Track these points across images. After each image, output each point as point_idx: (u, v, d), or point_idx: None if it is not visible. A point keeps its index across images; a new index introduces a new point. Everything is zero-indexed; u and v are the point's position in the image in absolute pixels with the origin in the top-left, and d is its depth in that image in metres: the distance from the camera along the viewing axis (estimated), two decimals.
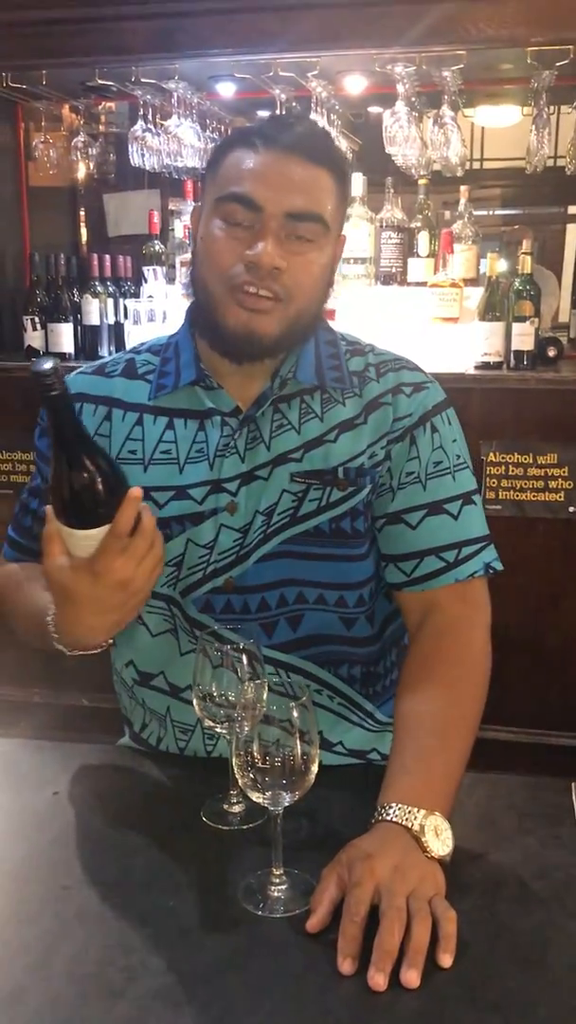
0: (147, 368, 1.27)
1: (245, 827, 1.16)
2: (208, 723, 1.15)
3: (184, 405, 1.22)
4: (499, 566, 1.24)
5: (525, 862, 1.09)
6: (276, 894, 1.02)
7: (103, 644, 1.14)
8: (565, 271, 4.67)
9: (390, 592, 1.29)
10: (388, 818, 1.02)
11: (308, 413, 1.21)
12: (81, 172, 3.52)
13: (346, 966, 0.90)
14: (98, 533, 1.03)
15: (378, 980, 0.88)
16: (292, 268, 1.11)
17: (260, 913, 1.01)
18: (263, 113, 3.14)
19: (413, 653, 1.21)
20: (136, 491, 1.02)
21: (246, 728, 1.00)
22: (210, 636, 1.14)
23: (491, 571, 1.23)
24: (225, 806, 1.18)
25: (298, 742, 0.99)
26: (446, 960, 0.92)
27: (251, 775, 1.00)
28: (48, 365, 0.96)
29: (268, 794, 1.00)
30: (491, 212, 5.02)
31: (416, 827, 1.00)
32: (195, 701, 1.15)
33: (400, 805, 1.02)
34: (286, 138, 1.12)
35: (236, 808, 1.18)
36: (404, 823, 1.01)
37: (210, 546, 1.20)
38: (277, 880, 1.03)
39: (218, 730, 1.15)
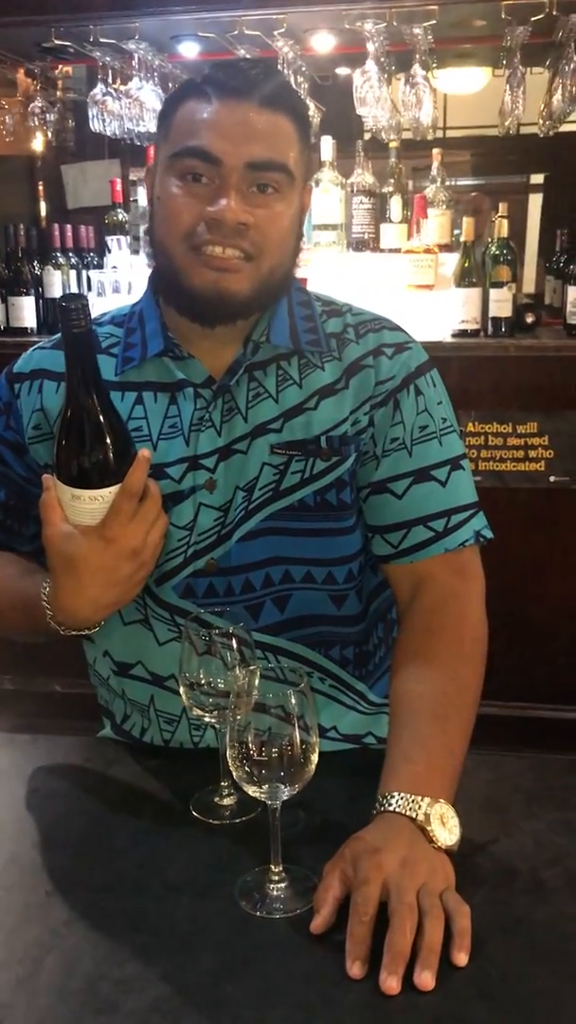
0: (111, 341, 1.19)
1: (238, 820, 1.09)
2: (196, 712, 1.09)
3: (153, 378, 1.15)
4: (489, 534, 1.19)
5: (536, 849, 1.04)
6: (275, 893, 0.96)
7: (100, 622, 1.09)
8: (528, 241, 4.61)
9: (376, 564, 1.23)
10: (391, 808, 0.97)
11: (286, 380, 1.14)
12: (39, 141, 3.40)
13: (355, 969, 0.84)
14: (108, 494, 0.99)
15: (391, 984, 0.82)
16: (259, 222, 1.04)
17: (259, 914, 0.94)
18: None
19: (406, 629, 1.16)
20: (146, 452, 1.00)
21: (239, 717, 0.94)
22: (194, 622, 1.07)
23: (482, 539, 1.18)
24: (216, 799, 1.12)
25: (296, 730, 0.92)
26: (461, 959, 0.86)
27: (247, 768, 0.93)
28: (77, 301, 0.94)
29: (265, 787, 0.94)
30: (454, 182, 4.94)
31: (421, 816, 0.95)
32: (182, 690, 1.08)
33: (403, 794, 0.97)
34: (240, 84, 1.04)
35: (227, 800, 1.12)
36: (408, 813, 0.96)
37: (189, 527, 1.13)
38: (276, 878, 0.97)
39: (207, 720, 1.08)
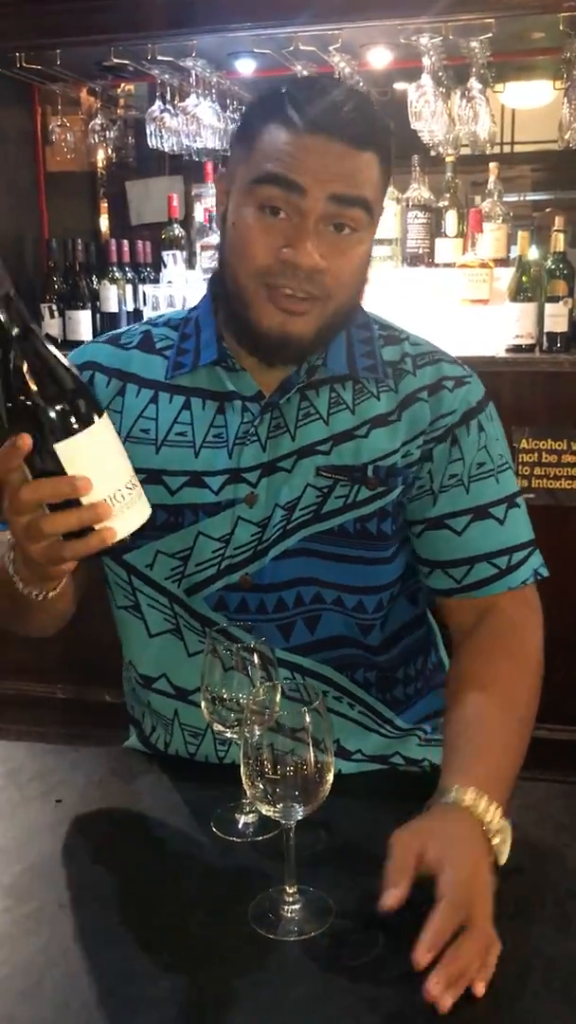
0: (165, 343, 1.18)
1: (259, 838, 1.08)
2: (218, 728, 1.07)
3: (203, 385, 1.14)
4: (546, 572, 1.19)
5: (563, 881, 1.00)
6: (290, 915, 0.94)
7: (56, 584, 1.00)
8: None
9: (415, 596, 1.22)
10: (464, 803, 0.95)
11: (338, 404, 1.12)
12: (100, 157, 3.45)
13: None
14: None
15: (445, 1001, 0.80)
16: (332, 266, 1.02)
17: (272, 936, 0.92)
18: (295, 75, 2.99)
19: (468, 648, 1.15)
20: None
21: (256, 733, 0.92)
22: (219, 634, 1.06)
23: (539, 576, 1.18)
24: (237, 815, 1.10)
25: (311, 749, 0.91)
26: (480, 988, 0.84)
27: (260, 785, 0.92)
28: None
29: (279, 807, 0.92)
30: (521, 197, 4.88)
31: (491, 824, 0.94)
32: (203, 704, 1.07)
33: (475, 790, 0.95)
34: (329, 118, 1.00)
35: (249, 818, 1.10)
36: (479, 814, 0.94)
37: (225, 539, 1.12)
38: (290, 899, 0.95)
39: (228, 735, 1.07)
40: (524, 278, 2.77)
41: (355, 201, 1.01)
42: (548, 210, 4.52)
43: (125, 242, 3.20)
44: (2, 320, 0.82)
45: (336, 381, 1.13)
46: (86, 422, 0.82)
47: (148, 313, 3.01)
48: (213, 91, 3.00)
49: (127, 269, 3.19)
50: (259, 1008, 0.84)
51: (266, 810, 0.93)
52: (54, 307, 3.10)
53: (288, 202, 1.00)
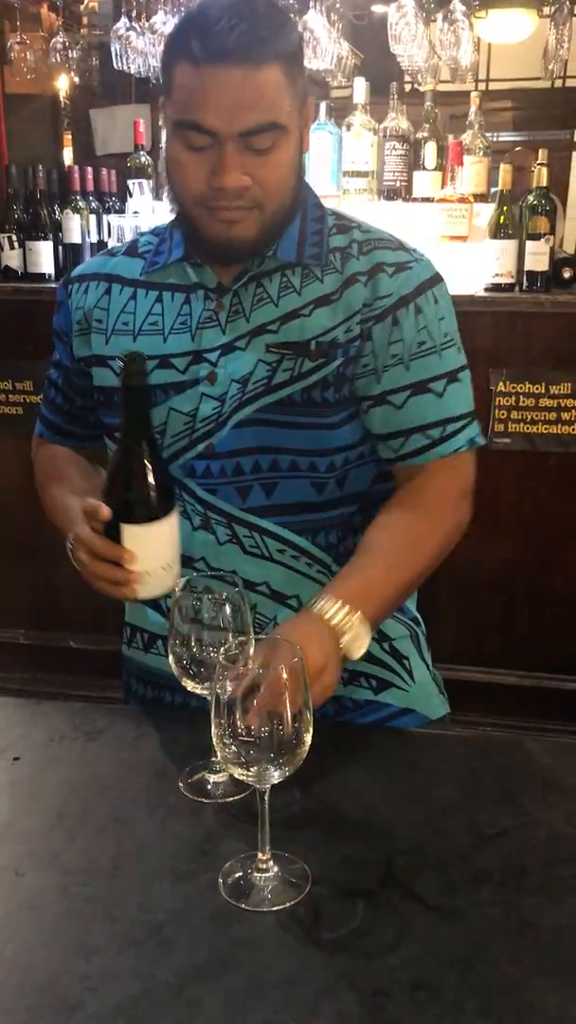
0: (147, 248, 1.33)
1: (230, 799, 1.02)
2: (188, 684, 1.01)
3: (173, 279, 1.28)
4: (481, 440, 1.30)
5: (551, 844, 0.95)
6: (262, 883, 0.88)
7: None
8: (571, 197, 4.42)
9: (378, 467, 1.32)
10: (314, 608, 1.10)
11: (287, 288, 1.24)
12: (63, 81, 3.28)
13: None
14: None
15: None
16: (257, 179, 1.14)
17: (244, 907, 0.87)
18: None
19: (389, 501, 1.28)
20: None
21: (228, 689, 0.85)
22: (185, 589, 1.04)
23: (474, 444, 1.28)
24: (206, 774, 1.04)
25: (287, 708, 0.84)
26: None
27: (232, 747, 0.85)
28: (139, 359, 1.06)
29: (253, 770, 0.86)
30: (495, 137, 4.75)
31: (339, 626, 1.08)
32: (171, 659, 1.00)
33: (329, 598, 1.10)
34: (224, 44, 1.08)
35: (219, 777, 1.04)
36: (328, 616, 1.08)
37: (192, 414, 1.25)
38: (264, 867, 0.89)
39: (199, 691, 1.00)
40: (504, 214, 2.67)
41: (262, 128, 1.11)
42: (518, 149, 4.40)
43: (89, 169, 3.05)
44: (128, 426, 1.09)
45: (287, 268, 1.24)
46: (150, 518, 1.08)
47: (113, 244, 2.87)
48: (181, 7, 2.84)
49: (91, 198, 3.04)
50: (229, 987, 0.78)
51: (239, 773, 0.86)
52: (13, 237, 2.95)
53: (206, 141, 1.12)
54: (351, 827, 0.98)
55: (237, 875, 0.90)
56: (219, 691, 0.86)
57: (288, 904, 0.87)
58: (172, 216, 1.29)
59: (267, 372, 1.22)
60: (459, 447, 1.26)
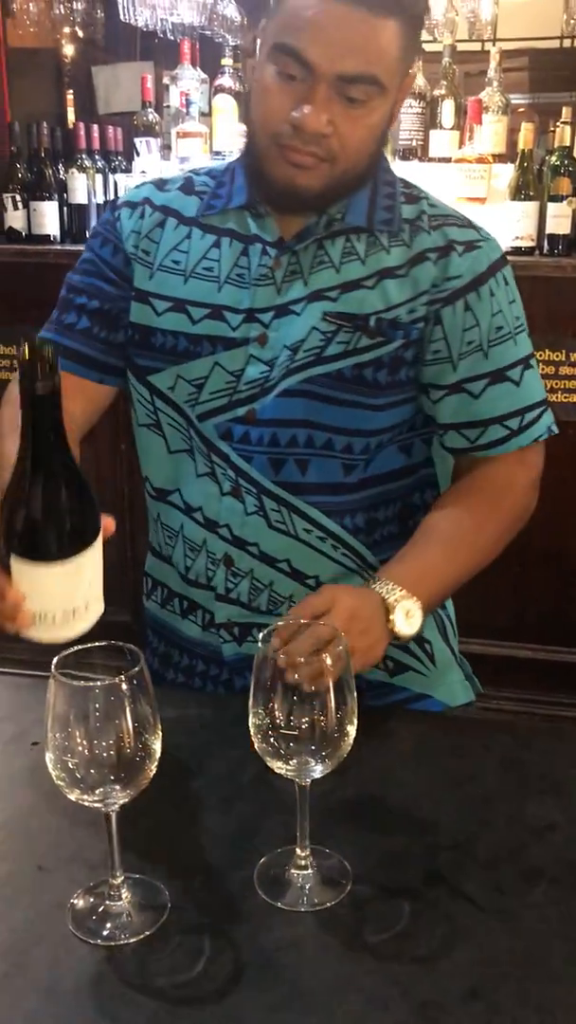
0: (203, 188, 1.26)
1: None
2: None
3: (232, 226, 1.22)
4: (555, 429, 1.26)
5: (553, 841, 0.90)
6: (301, 881, 0.83)
7: None
8: None
9: (410, 449, 1.27)
10: (370, 587, 1.09)
11: (350, 254, 1.18)
12: (67, 36, 3.17)
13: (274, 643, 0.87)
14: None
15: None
16: (340, 131, 1.08)
17: (280, 905, 0.82)
18: None
19: (453, 486, 1.27)
20: None
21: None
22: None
23: (551, 433, 1.25)
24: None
25: (332, 693, 0.79)
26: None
27: (272, 740, 0.80)
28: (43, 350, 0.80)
29: (293, 763, 0.80)
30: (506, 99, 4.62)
31: (391, 600, 1.07)
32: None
33: (385, 581, 1.09)
34: None
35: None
36: (381, 593, 1.07)
37: (237, 374, 1.19)
38: (302, 863, 0.84)
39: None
40: (525, 174, 2.58)
41: (362, 78, 1.06)
42: (521, 110, 4.28)
43: (95, 127, 2.95)
44: (30, 439, 0.83)
45: (352, 232, 1.18)
46: (46, 558, 0.84)
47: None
48: None
49: (97, 157, 2.95)
50: (268, 993, 0.73)
51: (278, 767, 0.81)
52: (17, 197, 2.85)
53: (300, 72, 1.06)
54: (390, 819, 0.94)
55: (274, 872, 0.85)
56: (258, 677, 0.80)
57: (329, 903, 0.82)
58: (230, 157, 1.22)
59: (320, 341, 1.16)
60: (538, 436, 1.22)
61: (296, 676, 0.80)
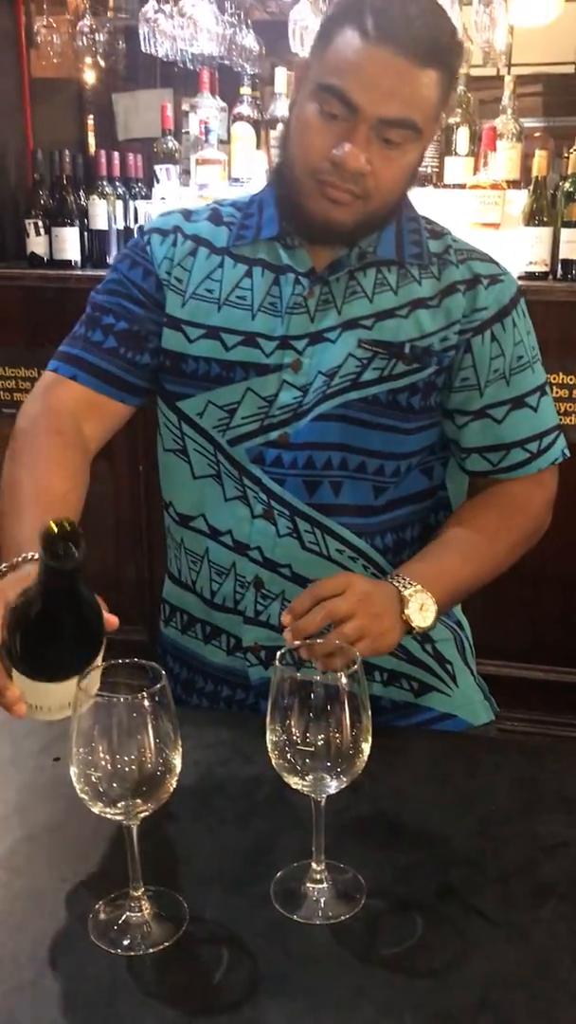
0: (231, 219, 1.30)
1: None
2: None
3: (263, 256, 1.26)
4: (568, 452, 1.33)
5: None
6: (316, 895, 0.85)
7: None
8: None
9: (431, 471, 1.31)
10: (386, 580, 1.13)
11: (383, 285, 1.23)
12: (88, 65, 3.23)
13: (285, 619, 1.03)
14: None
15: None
16: (376, 170, 1.13)
17: (296, 918, 0.84)
18: None
19: (471, 499, 1.32)
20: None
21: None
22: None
23: (564, 456, 1.32)
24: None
25: (347, 712, 0.81)
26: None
27: (289, 756, 0.82)
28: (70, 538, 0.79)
29: (309, 779, 0.83)
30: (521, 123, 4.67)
31: (406, 593, 1.11)
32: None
33: (401, 576, 1.13)
34: (401, 32, 1.07)
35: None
36: (397, 586, 1.12)
37: (270, 400, 1.22)
38: (317, 877, 0.86)
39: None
40: (538, 200, 2.61)
41: (401, 123, 1.10)
42: (537, 135, 4.32)
43: (116, 154, 3.01)
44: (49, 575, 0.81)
45: (383, 264, 1.23)
46: (47, 678, 0.86)
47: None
48: None
49: (117, 184, 3.01)
50: (284, 1004, 0.75)
51: (294, 782, 0.83)
52: (39, 223, 2.91)
53: (343, 112, 1.10)
54: (404, 835, 0.95)
55: (290, 886, 0.87)
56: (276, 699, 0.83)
57: (343, 917, 0.84)
58: (248, 184, 1.26)
59: (357, 367, 1.20)
60: (555, 459, 1.29)
61: (307, 653, 0.91)
